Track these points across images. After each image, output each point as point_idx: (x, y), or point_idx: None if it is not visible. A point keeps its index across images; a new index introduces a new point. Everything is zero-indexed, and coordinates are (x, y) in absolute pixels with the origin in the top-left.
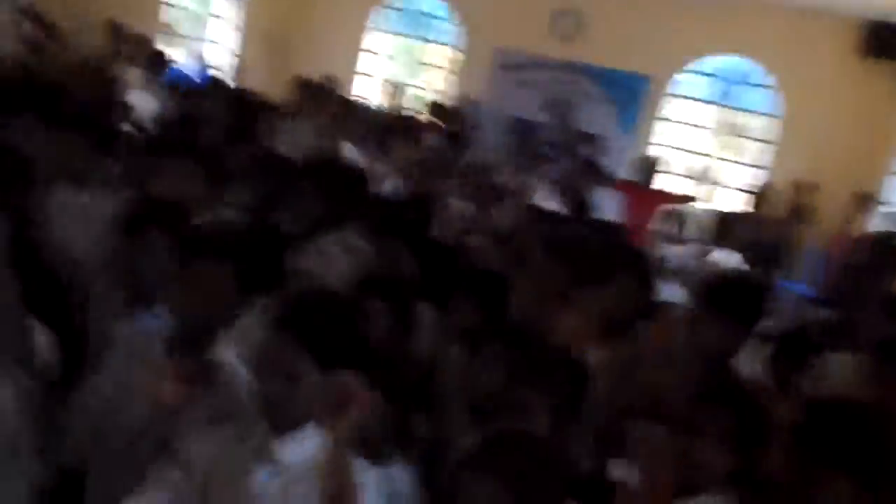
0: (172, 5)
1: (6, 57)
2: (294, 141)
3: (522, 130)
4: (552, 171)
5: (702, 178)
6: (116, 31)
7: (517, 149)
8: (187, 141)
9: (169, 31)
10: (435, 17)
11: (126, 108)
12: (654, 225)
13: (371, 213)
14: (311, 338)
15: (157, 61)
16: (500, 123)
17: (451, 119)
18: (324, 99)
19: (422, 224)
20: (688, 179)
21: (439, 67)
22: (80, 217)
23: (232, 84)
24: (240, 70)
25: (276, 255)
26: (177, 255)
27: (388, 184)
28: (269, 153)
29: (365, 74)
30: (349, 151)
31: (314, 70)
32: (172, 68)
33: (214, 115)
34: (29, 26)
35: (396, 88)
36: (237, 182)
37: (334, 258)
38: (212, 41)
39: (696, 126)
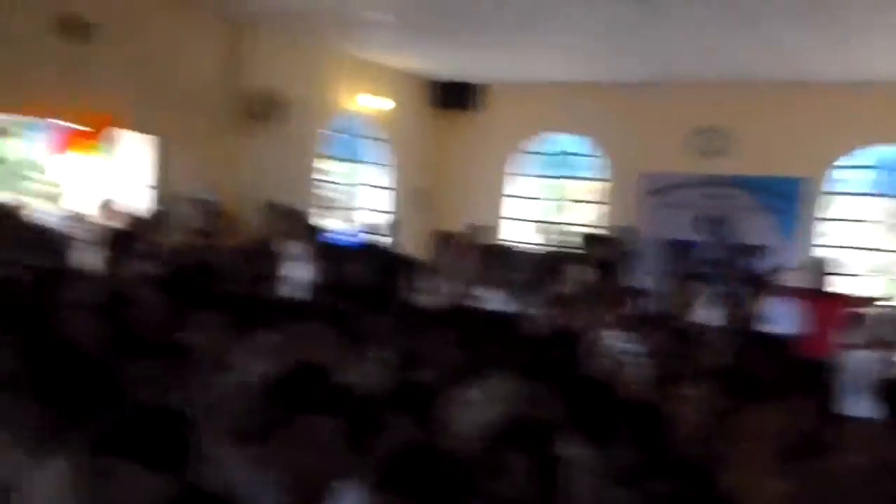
0: (326, 181)
1: (181, 246)
2: (436, 293)
3: (678, 251)
4: (714, 288)
5: (880, 274)
6: (275, 210)
7: (675, 271)
8: (333, 305)
9: (325, 204)
10: (576, 155)
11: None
12: (836, 331)
13: (516, 357)
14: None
15: (313, 233)
16: (654, 247)
17: (602, 249)
18: (464, 248)
19: (571, 360)
20: (864, 278)
21: (586, 202)
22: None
23: (384, 244)
24: (393, 229)
25: (419, 410)
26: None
27: (537, 323)
28: (410, 308)
29: (513, 219)
30: (493, 296)
31: (461, 220)
32: (328, 237)
33: (364, 277)
34: (202, 216)
35: (545, 228)
36: (382, 339)
37: (478, 408)
38: (364, 207)
39: (863, 221)
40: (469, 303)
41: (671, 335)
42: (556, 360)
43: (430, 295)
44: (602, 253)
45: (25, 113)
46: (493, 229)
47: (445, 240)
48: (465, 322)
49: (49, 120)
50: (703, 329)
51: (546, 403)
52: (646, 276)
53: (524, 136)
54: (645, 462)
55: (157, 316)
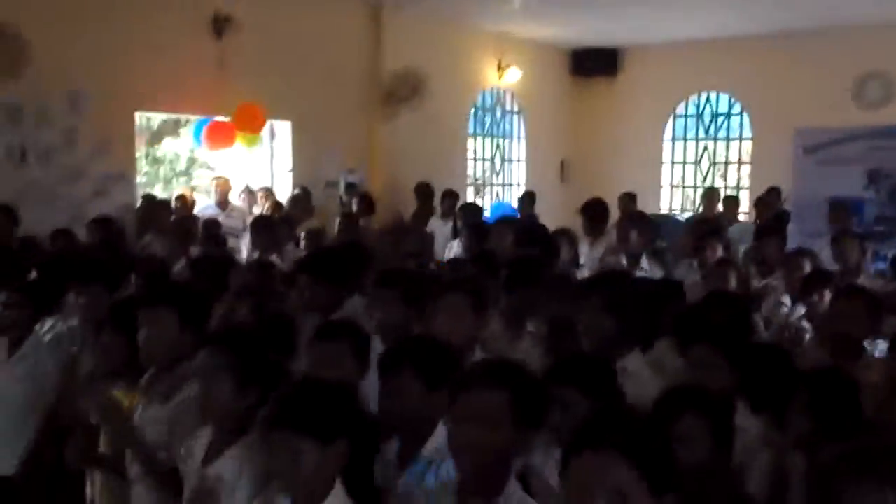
0: (472, 157)
1: (329, 232)
2: (591, 264)
3: (841, 211)
4: (885, 248)
5: None
6: (425, 190)
7: (839, 230)
8: (485, 279)
9: (475, 183)
10: (724, 115)
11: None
12: None
13: (677, 324)
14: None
15: (462, 211)
16: (812, 207)
17: (759, 212)
18: (606, 218)
19: (738, 326)
20: None
21: (736, 163)
22: None
23: (533, 217)
24: (535, 202)
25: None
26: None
27: (696, 290)
28: (562, 279)
29: (661, 185)
30: (644, 263)
31: (604, 189)
32: (476, 213)
33: (514, 250)
34: (350, 201)
35: (713, 192)
36: (535, 311)
37: (644, 379)
38: (510, 182)
39: None
40: (624, 271)
41: (848, 297)
42: (722, 325)
43: (585, 265)
44: (760, 216)
45: (182, 111)
46: (642, 196)
47: (591, 208)
48: (620, 290)
49: (205, 116)
50: (874, 291)
51: (716, 371)
52: (805, 238)
53: (668, 100)
54: (824, 429)
55: (321, 298)
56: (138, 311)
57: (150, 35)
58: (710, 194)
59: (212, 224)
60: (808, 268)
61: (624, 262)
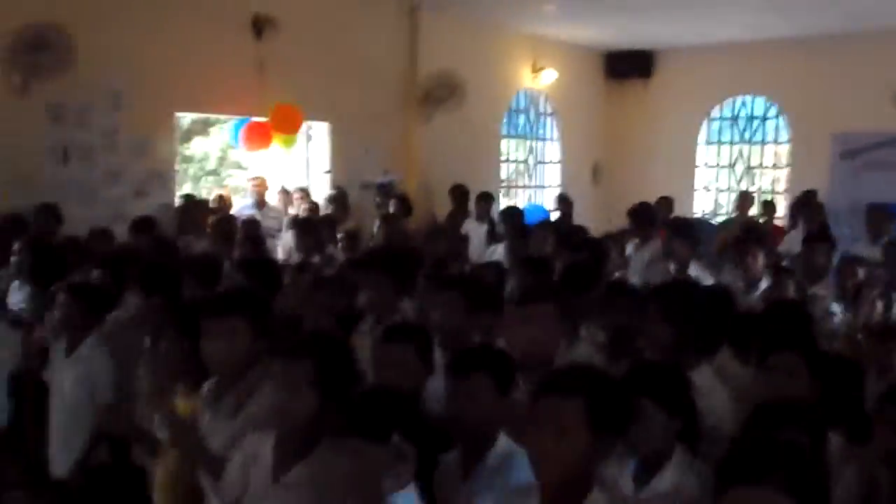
0: (507, 160)
1: (364, 233)
2: (639, 268)
3: (880, 216)
4: None
5: None
6: (461, 192)
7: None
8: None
9: (508, 184)
10: (759, 118)
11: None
12: None
13: (735, 333)
14: None
15: (511, 215)
16: (848, 212)
17: (808, 217)
18: (654, 221)
19: (801, 335)
20: None
21: (772, 167)
22: None
23: (573, 220)
24: (570, 204)
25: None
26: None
27: (745, 297)
28: (615, 284)
29: (697, 189)
30: (694, 270)
31: (638, 192)
32: (513, 215)
33: (558, 254)
34: (386, 203)
35: (747, 196)
36: (590, 317)
37: (714, 392)
38: (545, 184)
39: None
40: (669, 277)
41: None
42: (786, 335)
43: (633, 269)
44: (810, 221)
45: (220, 111)
46: (676, 200)
47: (641, 212)
48: (678, 300)
49: (243, 116)
50: None
51: (797, 381)
52: (845, 243)
53: (703, 103)
54: None
55: (381, 299)
56: (206, 320)
57: (190, 36)
58: (744, 197)
59: (252, 225)
60: (861, 275)
61: (672, 269)
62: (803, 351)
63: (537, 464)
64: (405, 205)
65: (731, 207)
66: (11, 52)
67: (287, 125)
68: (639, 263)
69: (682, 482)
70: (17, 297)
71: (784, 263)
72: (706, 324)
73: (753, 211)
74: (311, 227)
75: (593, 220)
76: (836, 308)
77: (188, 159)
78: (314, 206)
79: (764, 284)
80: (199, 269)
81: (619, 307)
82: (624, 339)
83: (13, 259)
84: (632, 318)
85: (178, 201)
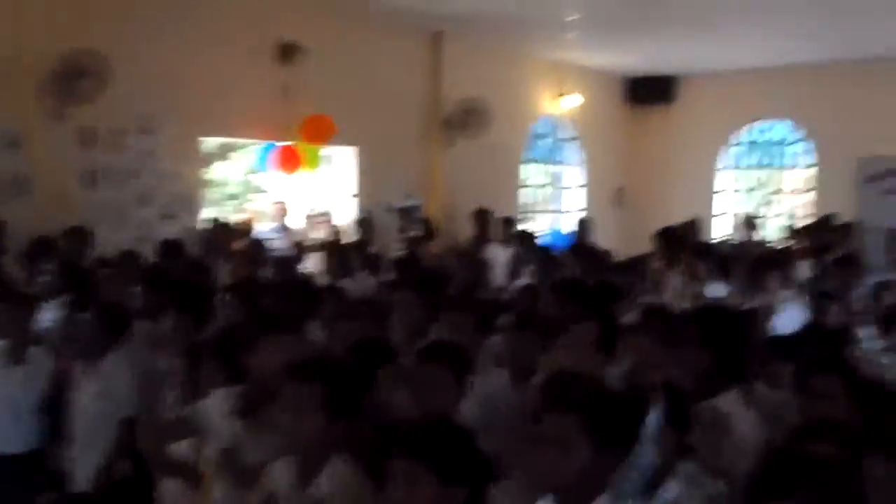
0: (529, 184)
1: (392, 252)
2: (670, 291)
3: None
4: None
5: None
6: (483, 216)
7: None
8: (561, 308)
9: (529, 209)
10: (783, 143)
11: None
12: None
13: (770, 359)
14: None
15: (520, 237)
16: (877, 236)
17: (837, 241)
18: (681, 245)
19: (839, 361)
20: None
21: (795, 192)
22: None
23: (597, 244)
24: (591, 228)
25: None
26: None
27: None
28: (651, 307)
29: (721, 213)
30: (716, 291)
31: (660, 217)
32: (536, 240)
33: (582, 278)
34: (410, 225)
35: (753, 221)
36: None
37: (739, 417)
38: (566, 209)
39: None
40: (696, 301)
41: None
42: (826, 359)
43: (656, 294)
44: (839, 245)
45: (246, 136)
46: (706, 225)
47: (666, 237)
48: (706, 321)
49: (269, 141)
50: None
51: (839, 404)
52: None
53: (727, 127)
54: None
55: (416, 318)
56: (285, 385)
57: (219, 63)
58: (748, 222)
59: (278, 248)
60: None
61: (706, 292)
62: (843, 375)
63: (535, 482)
64: (428, 228)
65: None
66: (50, 77)
67: (318, 134)
68: (669, 286)
69: (688, 494)
70: (46, 317)
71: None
72: (740, 348)
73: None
74: (339, 250)
75: (616, 243)
76: (866, 333)
77: (209, 183)
78: (337, 230)
79: (784, 308)
80: (241, 293)
81: (652, 331)
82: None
83: (42, 280)
84: (665, 343)
85: (201, 224)
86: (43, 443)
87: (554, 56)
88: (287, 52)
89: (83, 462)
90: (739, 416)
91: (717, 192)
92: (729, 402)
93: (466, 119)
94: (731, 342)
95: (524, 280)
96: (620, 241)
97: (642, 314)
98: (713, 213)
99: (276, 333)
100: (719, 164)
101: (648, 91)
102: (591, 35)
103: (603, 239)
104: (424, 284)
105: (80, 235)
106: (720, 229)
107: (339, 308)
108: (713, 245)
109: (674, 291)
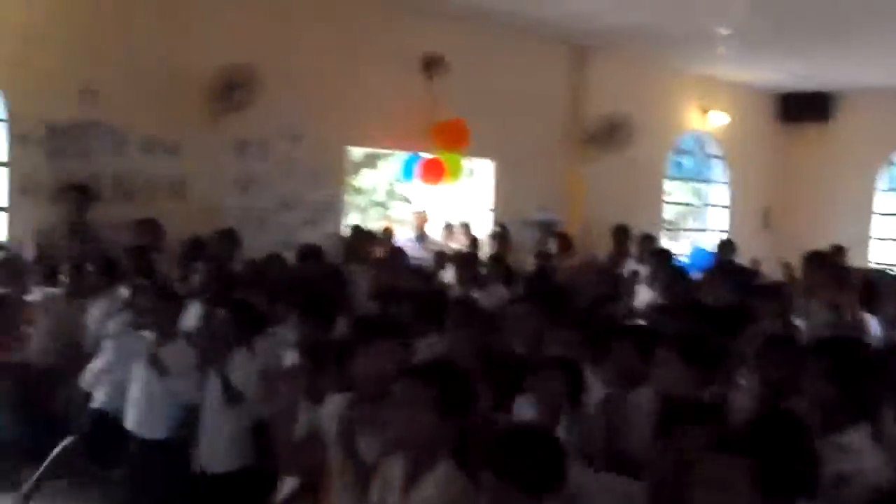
0: (672, 202)
1: (528, 265)
2: (810, 320)
3: None
4: None
5: None
6: (623, 232)
7: None
8: (688, 328)
9: (672, 227)
10: None
11: (627, 302)
12: None
13: None
14: None
15: (660, 255)
16: None
17: None
18: (829, 271)
19: None
20: None
21: None
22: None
23: (739, 265)
24: (734, 249)
25: (793, 448)
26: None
27: None
28: (777, 335)
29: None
30: (873, 327)
31: (810, 239)
32: (676, 258)
33: (718, 299)
34: (545, 239)
35: None
36: (748, 366)
37: (864, 453)
38: (710, 228)
39: None
40: (845, 331)
41: None
42: None
43: (797, 320)
44: None
45: (389, 147)
46: (860, 249)
47: (817, 261)
48: (842, 353)
49: (411, 152)
50: None
51: None
52: None
53: (885, 147)
54: None
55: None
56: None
57: (363, 75)
58: None
59: (417, 257)
60: None
61: (853, 324)
62: None
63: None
64: (565, 242)
65: None
66: (207, 90)
67: (451, 138)
68: (810, 313)
69: None
70: (191, 314)
71: None
72: (872, 384)
73: None
74: (472, 261)
75: (762, 265)
76: None
77: (357, 190)
78: (474, 241)
79: None
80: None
81: (776, 359)
82: (779, 389)
83: (191, 278)
84: (790, 373)
85: (344, 230)
86: (180, 431)
87: (702, 71)
88: (430, 65)
89: (218, 447)
90: (870, 451)
91: (875, 214)
92: (859, 437)
93: (610, 134)
94: (862, 377)
95: (648, 296)
96: (766, 263)
97: (764, 342)
98: (871, 236)
99: (383, 340)
100: (879, 185)
101: (802, 108)
102: (743, 51)
103: (746, 260)
104: (547, 298)
105: (230, 237)
106: (881, 254)
107: (463, 317)
108: (866, 272)
109: (813, 319)
